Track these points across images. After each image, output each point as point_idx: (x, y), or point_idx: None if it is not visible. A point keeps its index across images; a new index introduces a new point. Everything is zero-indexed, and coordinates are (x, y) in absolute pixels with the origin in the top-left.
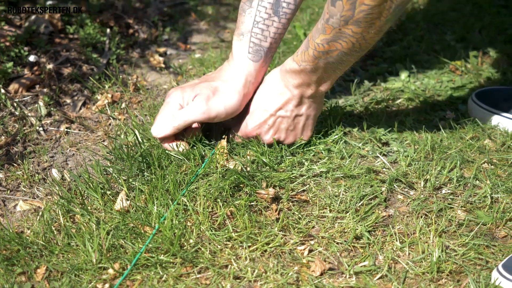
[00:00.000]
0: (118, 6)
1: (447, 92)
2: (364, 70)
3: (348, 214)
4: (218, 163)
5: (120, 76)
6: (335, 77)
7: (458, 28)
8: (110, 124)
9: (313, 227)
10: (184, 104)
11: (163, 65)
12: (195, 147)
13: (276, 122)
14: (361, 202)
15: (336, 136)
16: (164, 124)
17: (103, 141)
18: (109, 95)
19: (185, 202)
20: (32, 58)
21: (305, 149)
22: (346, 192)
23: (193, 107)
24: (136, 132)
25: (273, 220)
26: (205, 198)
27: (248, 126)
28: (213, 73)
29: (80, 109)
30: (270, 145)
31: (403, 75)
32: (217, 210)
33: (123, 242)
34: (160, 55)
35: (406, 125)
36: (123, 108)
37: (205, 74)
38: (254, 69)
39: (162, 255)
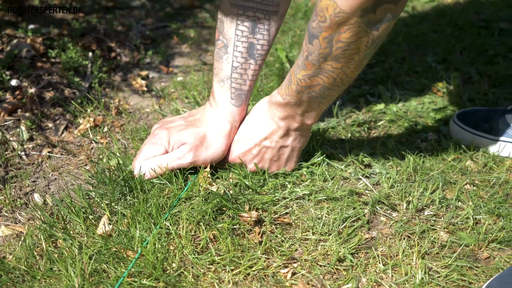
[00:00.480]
0: (100, 29)
1: (429, 113)
2: (346, 92)
3: (331, 236)
4: (201, 187)
5: (102, 100)
6: (320, 110)
7: (439, 49)
8: (92, 148)
9: (296, 249)
10: (170, 148)
11: (145, 89)
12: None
13: (261, 152)
14: (344, 224)
15: (319, 159)
16: (148, 166)
17: (85, 165)
18: (91, 119)
19: (168, 226)
20: (14, 82)
21: (287, 172)
22: (329, 215)
23: (180, 156)
24: (118, 156)
25: (256, 243)
26: (188, 221)
27: (233, 153)
28: (197, 114)
29: (62, 133)
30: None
31: (385, 97)
32: (200, 233)
33: (105, 266)
34: (142, 78)
35: (388, 147)
36: (105, 132)
37: (189, 112)
38: (238, 114)
39: (145, 279)
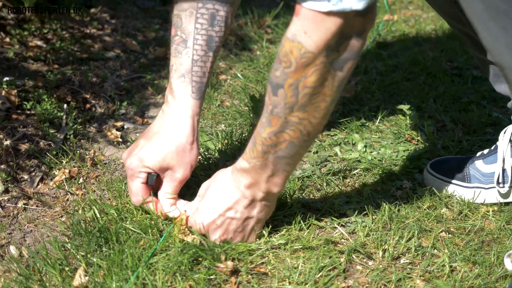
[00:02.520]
0: (75, 81)
1: (404, 161)
2: (321, 141)
3: (307, 286)
4: (177, 237)
5: (78, 151)
6: (286, 175)
7: (413, 97)
8: (68, 200)
9: None
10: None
11: (120, 139)
12: (152, 221)
13: (225, 222)
14: (320, 273)
15: (294, 208)
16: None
17: (61, 216)
18: (67, 171)
19: (144, 277)
20: None
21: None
22: (305, 264)
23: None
24: (94, 207)
25: None
26: (164, 272)
27: (196, 222)
28: (155, 126)
29: (38, 185)
30: None
31: (360, 145)
32: (176, 284)
33: None
34: (117, 129)
35: (363, 195)
36: (81, 183)
37: (147, 128)
38: (198, 107)
39: None
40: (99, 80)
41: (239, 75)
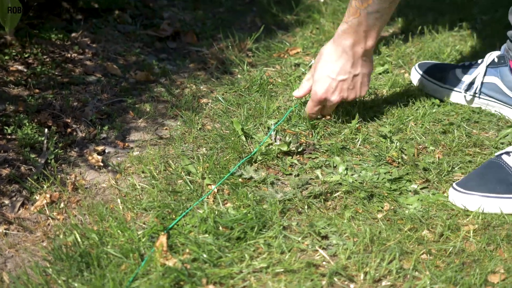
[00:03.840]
0: (56, 105)
1: (385, 184)
2: (302, 164)
3: None
4: (158, 261)
5: (59, 176)
6: (377, 29)
7: (394, 120)
8: (49, 225)
9: None
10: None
11: (101, 164)
12: (134, 246)
13: (339, 85)
14: None
15: (275, 231)
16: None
17: (42, 241)
18: (48, 195)
19: None
20: None
21: (247, 242)
22: (286, 287)
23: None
24: (75, 232)
25: None
26: None
27: (318, 93)
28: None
29: (19, 210)
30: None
31: (341, 168)
32: None
33: None
34: (99, 153)
35: (344, 218)
36: (62, 208)
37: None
38: None
39: None
40: (80, 105)
41: (220, 98)
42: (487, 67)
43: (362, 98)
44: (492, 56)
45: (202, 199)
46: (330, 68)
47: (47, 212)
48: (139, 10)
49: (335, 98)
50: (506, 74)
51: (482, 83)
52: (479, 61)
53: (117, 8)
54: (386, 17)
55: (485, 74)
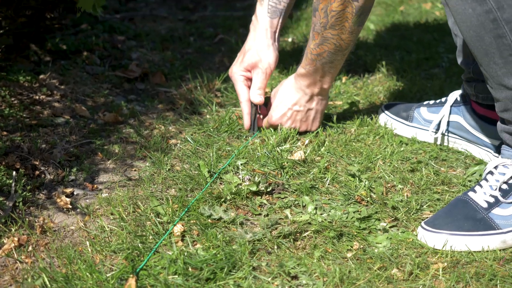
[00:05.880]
0: (24, 148)
1: (354, 223)
2: (271, 204)
3: None
4: None
5: (27, 219)
6: (332, 75)
7: (362, 158)
8: (17, 268)
9: None
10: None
11: (70, 206)
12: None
13: (293, 114)
14: None
15: (245, 271)
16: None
17: (10, 285)
18: (16, 239)
19: None
20: None
21: (217, 283)
22: None
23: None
24: (43, 275)
25: None
26: None
27: (273, 117)
28: (246, 43)
29: None
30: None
31: (310, 207)
32: None
33: None
34: (67, 196)
35: (314, 257)
36: (30, 251)
37: (242, 47)
38: (273, 23)
39: None
40: (49, 147)
41: (189, 139)
42: (451, 106)
43: (314, 132)
44: (454, 95)
45: (166, 235)
46: (287, 98)
47: (15, 255)
48: (107, 51)
49: (287, 126)
50: (468, 112)
51: (448, 122)
52: (443, 99)
53: (85, 49)
54: (339, 65)
55: (449, 113)
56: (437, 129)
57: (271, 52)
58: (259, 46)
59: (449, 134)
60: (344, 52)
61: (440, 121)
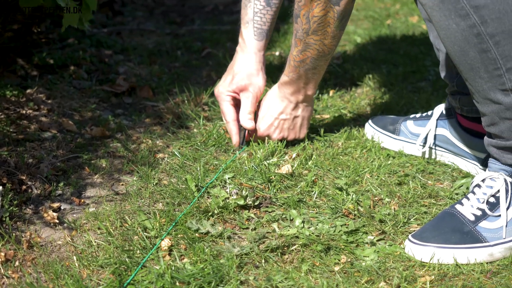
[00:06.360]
0: (11, 162)
1: (341, 236)
2: (259, 218)
3: None
4: None
5: (14, 234)
6: (315, 81)
7: (349, 172)
8: (3, 284)
9: None
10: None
11: (57, 221)
12: None
13: (280, 123)
14: None
15: (233, 285)
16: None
17: None
18: (2, 254)
19: None
20: None
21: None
22: None
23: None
24: None
25: None
26: None
27: (260, 129)
28: (232, 65)
29: None
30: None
31: (297, 221)
32: None
33: None
34: (54, 210)
35: (302, 271)
36: (17, 266)
37: (229, 65)
38: (260, 46)
39: None
40: (35, 161)
41: (176, 153)
42: (436, 120)
43: (302, 145)
44: (440, 109)
45: (153, 250)
46: (273, 108)
47: (2, 271)
48: (94, 65)
49: (275, 136)
50: (454, 126)
51: (434, 135)
52: (429, 113)
53: (72, 64)
54: (322, 71)
55: (436, 127)
56: (424, 143)
57: (260, 77)
58: (249, 71)
59: (436, 148)
60: (327, 57)
61: (427, 135)
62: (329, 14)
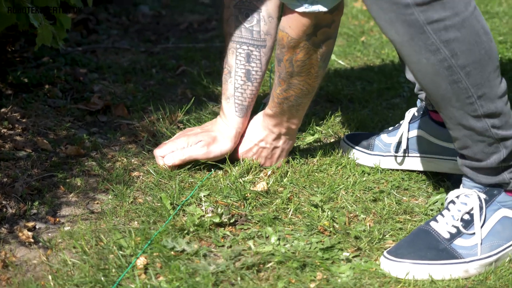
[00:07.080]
0: None
1: (317, 253)
2: (234, 235)
3: None
4: None
5: None
6: (299, 116)
7: (325, 189)
8: None
9: None
10: (188, 146)
11: (32, 240)
12: None
13: (259, 151)
14: None
15: None
16: (173, 155)
17: None
18: None
19: None
20: None
21: None
22: None
23: (197, 148)
24: None
25: None
26: None
27: (239, 151)
28: (209, 125)
29: None
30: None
31: (273, 238)
32: None
33: None
34: (29, 229)
35: None
36: None
37: (203, 125)
38: (241, 123)
39: None
40: (10, 180)
41: (151, 171)
42: (409, 123)
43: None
44: (411, 112)
45: (129, 268)
46: (254, 135)
47: None
48: (69, 84)
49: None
50: (428, 123)
51: (408, 139)
52: (401, 122)
53: (47, 82)
54: (306, 106)
55: (408, 131)
56: (398, 147)
57: (230, 144)
58: (223, 147)
59: (411, 154)
60: (311, 94)
61: (400, 139)
62: (312, 57)
